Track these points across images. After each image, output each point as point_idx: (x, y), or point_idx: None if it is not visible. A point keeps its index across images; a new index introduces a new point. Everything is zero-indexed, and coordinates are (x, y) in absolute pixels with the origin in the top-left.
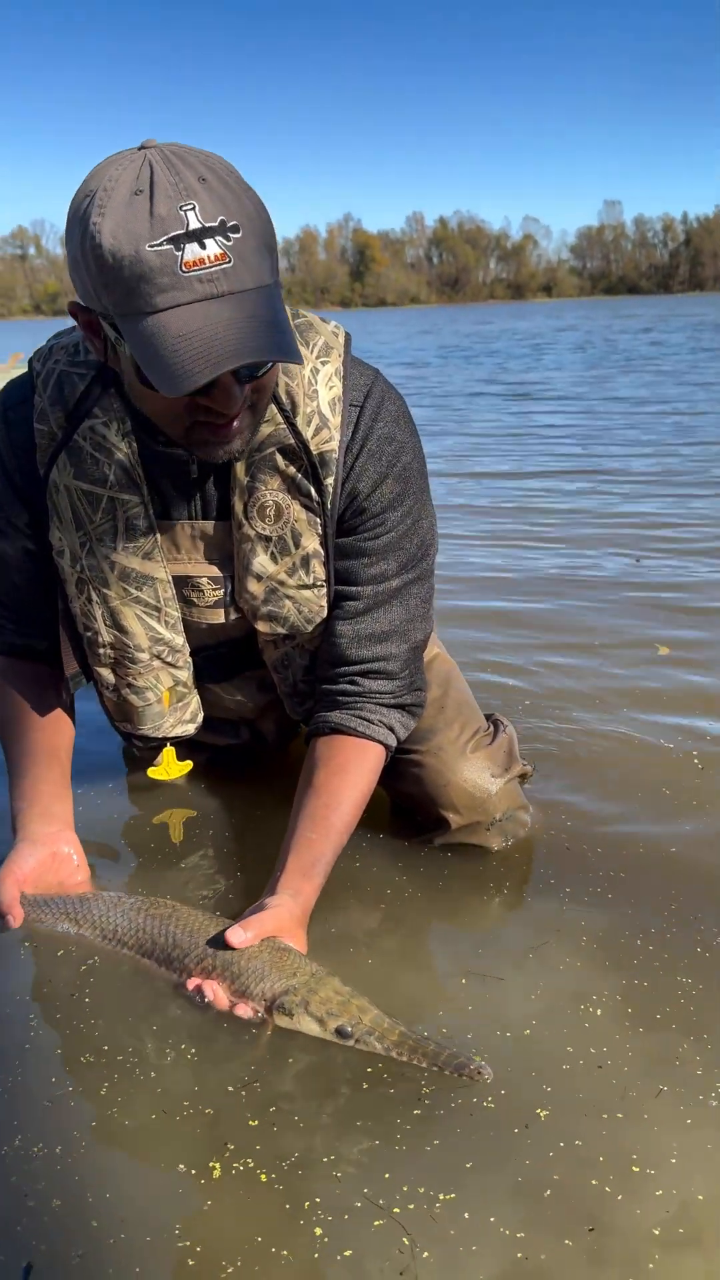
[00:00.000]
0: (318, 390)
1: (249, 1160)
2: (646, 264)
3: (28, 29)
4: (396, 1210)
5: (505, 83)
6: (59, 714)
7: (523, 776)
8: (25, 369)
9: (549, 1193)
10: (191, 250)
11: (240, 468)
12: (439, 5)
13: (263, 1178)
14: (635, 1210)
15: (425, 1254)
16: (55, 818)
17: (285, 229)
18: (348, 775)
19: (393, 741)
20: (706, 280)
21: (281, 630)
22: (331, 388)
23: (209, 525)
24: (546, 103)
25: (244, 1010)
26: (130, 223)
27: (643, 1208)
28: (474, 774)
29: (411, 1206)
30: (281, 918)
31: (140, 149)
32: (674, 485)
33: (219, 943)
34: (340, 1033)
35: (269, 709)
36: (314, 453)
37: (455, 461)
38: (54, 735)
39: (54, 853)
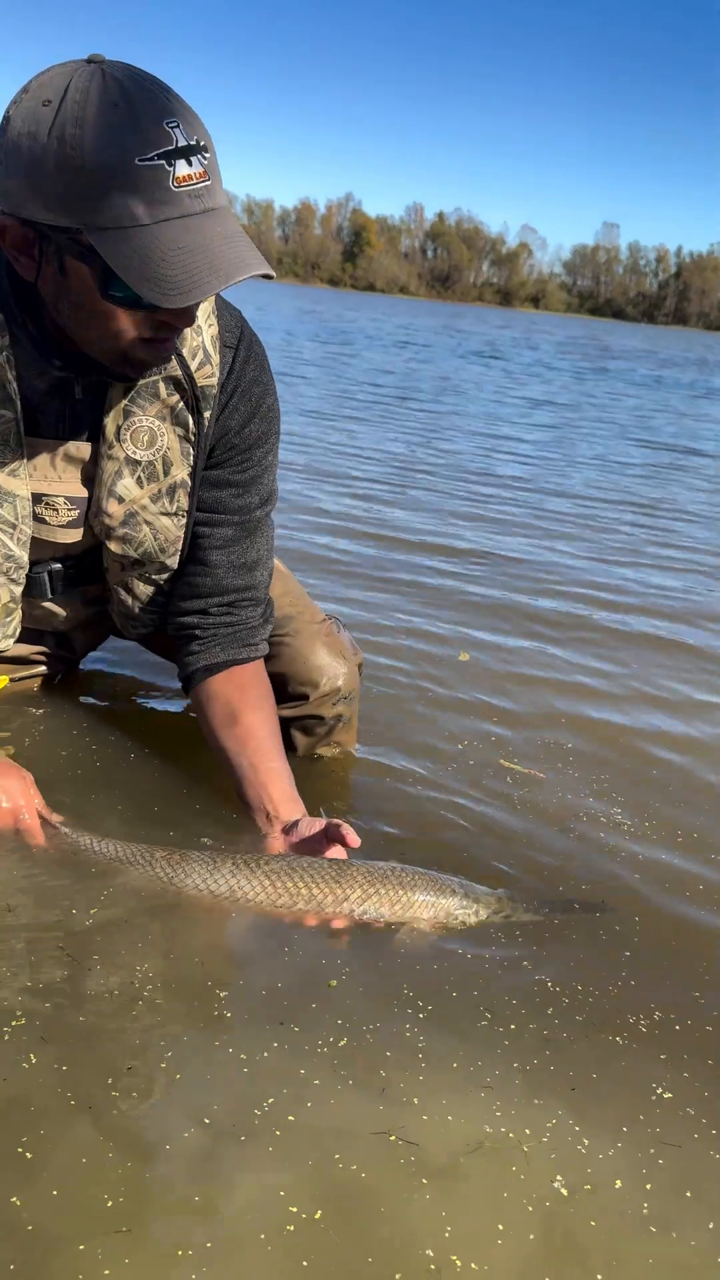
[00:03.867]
0: (200, 326)
1: (65, 1000)
2: (635, 291)
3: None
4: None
5: (523, 83)
6: None
7: (359, 666)
8: None
9: (297, 1028)
10: (181, 166)
11: (118, 391)
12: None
13: (107, 992)
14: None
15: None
16: None
17: (284, 198)
18: (265, 704)
19: (267, 649)
20: (690, 316)
21: (133, 554)
22: (211, 325)
23: (75, 445)
24: (559, 112)
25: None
26: (117, 135)
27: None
28: (328, 654)
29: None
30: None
31: (90, 62)
32: None
33: (329, 869)
34: (506, 919)
35: (86, 622)
36: (198, 385)
37: None
38: None
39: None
